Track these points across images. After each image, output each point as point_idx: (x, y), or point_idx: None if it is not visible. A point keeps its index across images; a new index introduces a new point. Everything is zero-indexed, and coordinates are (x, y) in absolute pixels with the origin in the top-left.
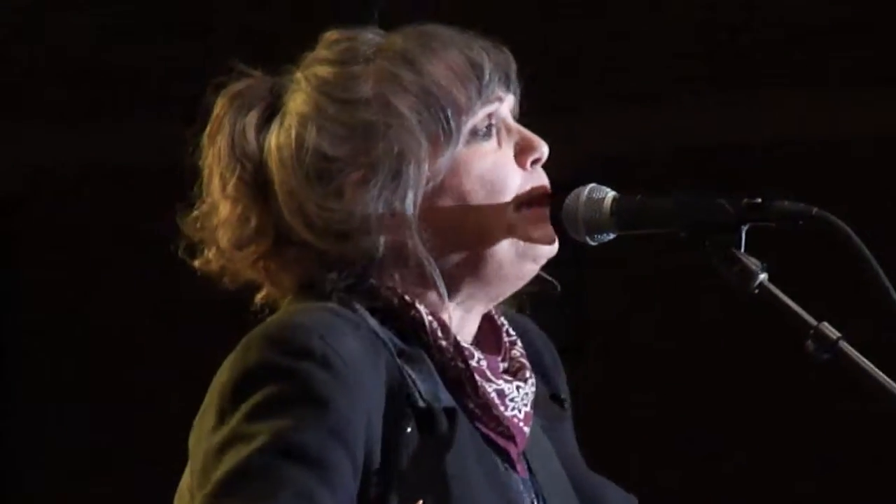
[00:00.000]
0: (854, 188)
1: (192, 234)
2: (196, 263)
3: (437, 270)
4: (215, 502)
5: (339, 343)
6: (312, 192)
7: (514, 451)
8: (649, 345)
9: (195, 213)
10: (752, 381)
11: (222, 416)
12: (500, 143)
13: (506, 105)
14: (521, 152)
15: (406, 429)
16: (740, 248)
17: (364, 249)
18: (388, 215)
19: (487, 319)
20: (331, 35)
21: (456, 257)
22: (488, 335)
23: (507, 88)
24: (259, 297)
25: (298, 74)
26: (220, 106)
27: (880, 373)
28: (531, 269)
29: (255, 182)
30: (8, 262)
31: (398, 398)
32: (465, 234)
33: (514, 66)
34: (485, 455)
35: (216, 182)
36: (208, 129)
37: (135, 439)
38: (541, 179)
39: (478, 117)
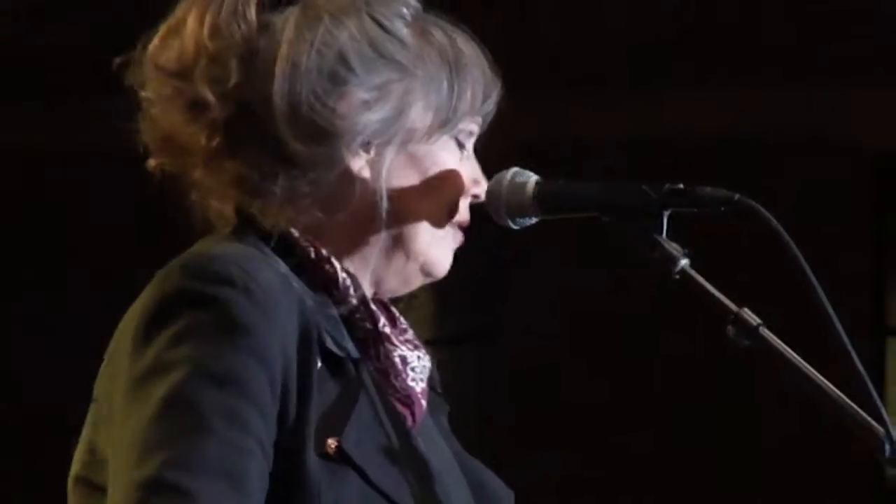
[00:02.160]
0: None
1: (145, 73)
2: (143, 94)
3: (384, 224)
4: (143, 443)
5: (258, 273)
6: (318, 81)
7: (409, 422)
8: (566, 334)
9: (152, 56)
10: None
11: (138, 349)
12: (461, 160)
13: (475, 135)
14: (472, 184)
15: (317, 365)
16: (662, 233)
17: (327, 161)
18: (364, 149)
19: (382, 303)
20: None
21: (389, 228)
22: (385, 314)
23: (484, 122)
24: (154, 162)
25: None
26: None
27: (800, 359)
28: (419, 281)
29: (248, 48)
30: None
31: (309, 338)
32: (408, 212)
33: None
34: (392, 411)
35: (203, 33)
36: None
37: None
38: (467, 212)
39: (468, 125)
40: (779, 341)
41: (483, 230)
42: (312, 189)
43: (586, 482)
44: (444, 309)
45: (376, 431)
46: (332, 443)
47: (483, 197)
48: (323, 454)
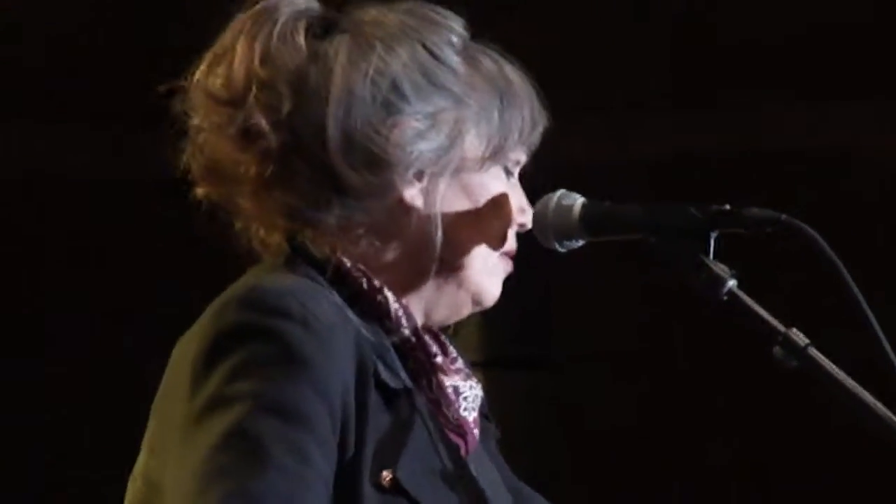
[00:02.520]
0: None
1: (195, 98)
2: (193, 122)
3: (437, 255)
4: (207, 473)
5: (316, 305)
6: (372, 109)
7: (462, 452)
8: (617, 355)
9: (201, 83)
10: (730, 390)
11: (197, 383)
12: (510, 191)
13: (521, 164)
14: (519, 213)
15: (373, 397)
16: (709, 255)
17: (380, 190)
18: (417, 178)
19: (432, 333)
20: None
21: (439, 257)
22: (437, 345)
23: (531, 151)
24: (202, 191)
25: (384, 9)
26: (261, 5)
27: (849, 379)
28: (469, 310)
29: (298, 78)
30: None
31: (365, 370)
32: (460, 242)
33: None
34: (446, 440)
35: (255, 61)
36: (245, 16)
37: None
38: (514, 243)
39: (515, 155)
40: (827, 361)
41: (530, 253)
42: (365, 218)
43: None
44: (490, 333)
45: (431, 462)
46: (387, 475)
47: (529, 225)
48: (378, 485)
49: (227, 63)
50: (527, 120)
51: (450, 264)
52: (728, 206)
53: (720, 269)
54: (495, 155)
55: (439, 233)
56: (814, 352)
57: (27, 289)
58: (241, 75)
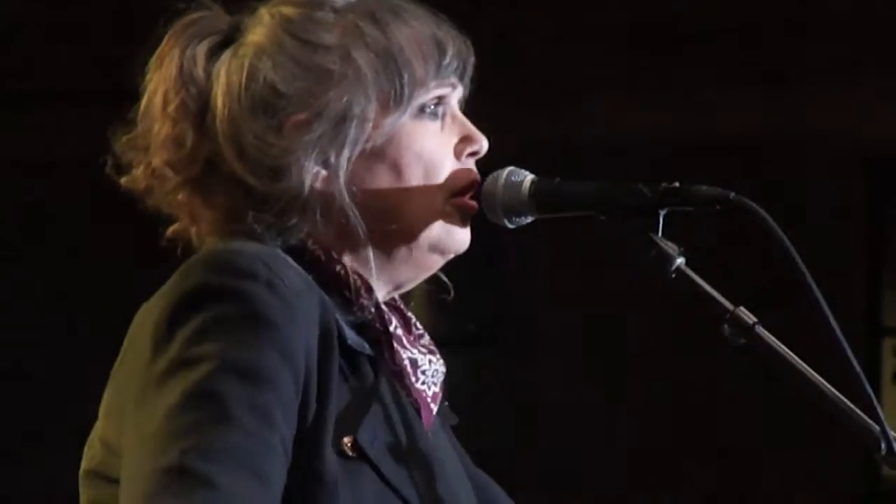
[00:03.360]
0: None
1: (123, 152)
2: (122, 181)
3: (363, 229)
4: (167, 432)
5: (281, 270)
6: (254, 122)
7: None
8: (560, 338)
9: (130, 134)
10: (676, 371)
11: (159, 345)
12: (442, 128)
13: (455, 95)
14: (462, 141)
15: (336, 363)
16: (658, 232)
17: (290, 191)
18: (322, 164)
19: (397, 308)
20: None
21: (375, 226)
22: (399, 319)
23: (461, 79)
24: (172, 229)
25: (262, 10)
26: (174, 31)
27: (796, 358)
28: (436, 262)
29: (197, 107)
30: None
31: (330, 335)
32: (390, 206)
33: (472, 60)
34: (407, 410)
35: (158, 101)
36: (158, 50)
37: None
38: (470, 172)
39: (429, 95)
40: (774, 339)
41: (478, 231)
42: (290, 216)
43: (585, 481)
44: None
45: (394, 430)
46: (347, 440)
47: (483, 150)
48: (340, 451)
49: (144, 113)
50: (429, 59)
51: (390, 230)
52: (677, 184)
53: (669, 246)
54: (398, 108)
55: (350, 206)
56: (761, 330)
57: None
58: (152, 122)
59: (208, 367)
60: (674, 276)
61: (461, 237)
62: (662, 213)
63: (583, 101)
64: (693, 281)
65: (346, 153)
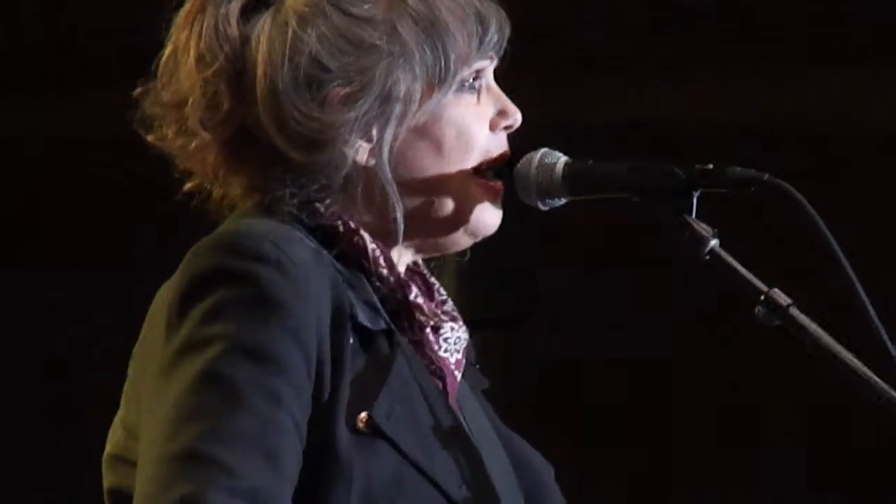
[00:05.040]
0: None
1: (151, 108)
2: (149, 137)
3: (401, 206)
4: (179, 416)
5: (290, 249)
6: (297, 95)
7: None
8: (604, 318)
9: (158, 88)
10: (720, 361)
11: (171, 329)
12: (478, 100)
13: (492, 66)
14: (498, 114)
15: (350, 340)
16: (692, 213)
17: (331, 165)
18: (365, 138)
19: (419, 274)
20: None
21: (410, 203)
22: (421, 285)
23: (498, 52)
24: (189, 185)
25: None
26: (191, 3)
27: (831, 339)
28: (465, 242)
29: (233, 68)
30: None
31: (342, 313)
32: (427, 183)
33: (508, 32)
34: (427, 382)
35: (192, 61)
36: (187, 7)
37: None
38: (504, 145)
39: (470, 69)
40: (809, 321)
41: (512, 212)
42: (329, 190)
43: (611, 475)
44: (468, 292)
45: (410, 403)
46: (362, 416)
47: (517, 123)
48: (354, 428)
49: (173, 69)
50: (471, 33)
51: (425, 207)
52: (711, 166)
53: (702, 228)
54: (442, 85)
55: (394, 184)
56: (796, 311)
57: None
58: (183, 81)
59: (218, 348)
60: (707, 257)
61: (490, 219)
62: (696, 194)
63: (603, 80)
64: (727, 262)
65: (390, 129)
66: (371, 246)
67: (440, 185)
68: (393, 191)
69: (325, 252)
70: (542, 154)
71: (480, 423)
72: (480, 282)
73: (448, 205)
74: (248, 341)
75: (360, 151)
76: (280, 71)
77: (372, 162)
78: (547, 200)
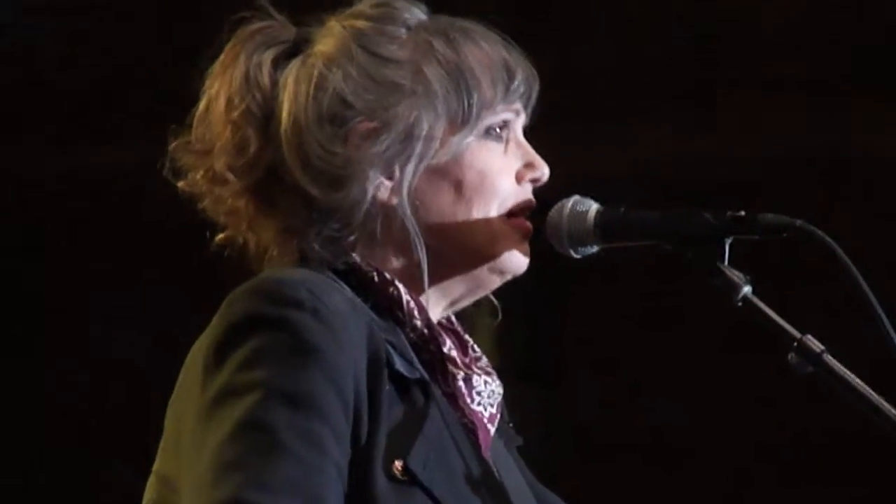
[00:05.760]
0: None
1: (181, 155)
2: (179, 184)
3: (422, 244)
4: (221, 464)
5: (327, 296)
6: (320, 131)
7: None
8: (633, 369)
9: (190, 137)
10: (752, 409)
11: (208, 376)
12: (505, 151)
13: (520, 121)
14: (525, 167)
15: (386, 387)
16: (724, 260)
17: (352, 202)
18: (386, 176)
19: (453, 331)
20: None
21: (433, 241)
22: (454, 340)
23: (526, 106)
24: (223, 235)
25: (333, 22)
26: (238, 38)
27: (864, 385)
28: (494, 282)
29: (262, 114)
30: None
31: (378, 360)
32: (449, 222)
33: (537, 88)
34: (460, 434)
35: (220, 106)
36: (221, 57)
37: None
38: (529, 197)
39: (497, 118)
40: (842, 367)
41: (545, 265)
42: (350, 228)
43: None
44: (502, 344)
45: (445, 453)
46: (398, 464)
47: (544, 178)
48: (390, 475)
49: (205, 117)
50: (496, 81)
51: (449, 246)
52: (743, 212)
53: (735, 275)
54: (464, 127)
55: (412, 219)
56: (829, 358)
57: None
58: (213, 126)
59: (257, 395)
60: (740, 304)
61: (518, 258)
62: (728, 241)
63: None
64: (760, 309)
65: (411, 167)
66: (406, 297)
67: (463, 225)
68: (414, 228)
69: (359, 301)
70: (573, 202)
71: (514, 479)
72: (517, 339)
73: (472, 243)
74: (286, 387)
75: (382, 189)
76: (304, 108)
77: (394, 200)
78: (579, 248)
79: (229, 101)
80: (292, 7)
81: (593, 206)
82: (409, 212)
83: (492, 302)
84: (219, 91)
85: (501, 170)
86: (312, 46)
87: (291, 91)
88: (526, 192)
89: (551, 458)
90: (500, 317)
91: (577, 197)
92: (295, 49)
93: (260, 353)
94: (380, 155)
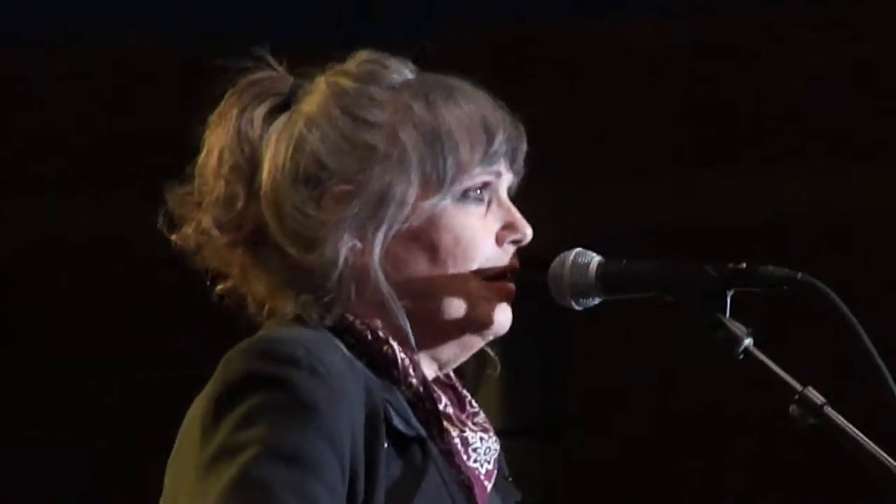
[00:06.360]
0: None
1: (176, 207)
2: (172, 236)
3: (400, 308)
4: None
5: (324, 355)
6: (294, 192)
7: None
8: (642, 427)
9: (184, 189)
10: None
11: (206, 436)
12: (486, 214)
13: (504, 181)
14: (505, 228)
15: (384, 445)
16: (725, 313)
17: (324, 263)
18: (357, 239)
19: (450, 387)
20: (364, 53)
21: (412, 305)
22: (452, 397)
23: (511, 166)
24: (222, 287)
25: (320, 78)
26: (235, 90)
27: (866, 439)
28: (476, 342)
29: (249, 170)
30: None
31: (376, 417)
32: (425, 286)
33: (524, 147)
34: (458, 490)
35: (213, 160)
36: (219, 108)
37: None
38: (512, 259)
39: (474, 180)
40: (844, 420)
41: (549, 319)
42: (326, 290)
43: None
44: (509, 400)
45: None
46: None
47: (526, 239)
48: None
49: (201, 169)
50: (475, 144)
51: (427, 309)
52: (744, 265)
53: (736, 327)
54: (439, 191)
55: (383, 283)
56: (831, 411)
57: None
58: (206, 179)
59: (253, 453)
60: (742, 356)
61: (500, 318)
62: (730, 293)
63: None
64: (761, 361)
65: (382, 232)
66: (401, 356)
67: (440, 289)
68: (388, 292)
69: (356, 360)
70: (575, 254)
71: None
72: (519, 393)
73: (450, 307)
74: (282, 445)
75: (355, 251)
76: (282, 168)
77: (368, 261)
78: (581, 300)
79: (221, 155)
80: (293, 56)
81: (595, 258)
82: (380, 276)
83: (496, 355)
84: (213, 144)
85: (479, 232)
86: (299, 104)
87: (273, 150)
88: (507, 255)
89: None
90: (499, 369)
91: (578, 249)
92: (286, 103)
93: (257, 411)
94: (352, 218)
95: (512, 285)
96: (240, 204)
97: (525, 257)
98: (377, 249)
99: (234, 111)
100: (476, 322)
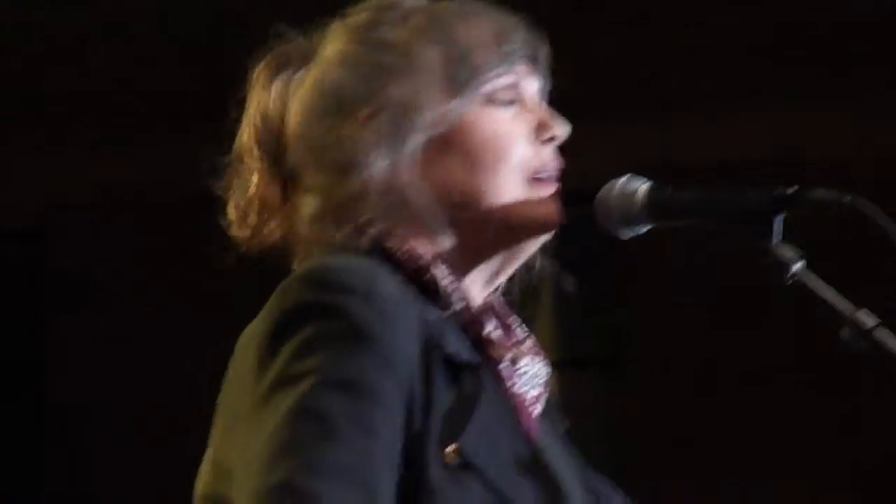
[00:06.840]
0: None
1: (226, 183)
2: (217, 186)
3: (439, 223)
4: (273, 450)
5: (379, 281)
6: (321, 122)
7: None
8: (696, 359)
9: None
10: (819, 403)
11: (262, 366)
12: (516, 116)
13: (529, 83)
14: (538, 126)
15: (440, 371)
16: (776, 238)
17: (360, 185)
18: (391, 156)
19: (496, 312)
20: None
21: (454, 215)
22: (497, 321)
23: (534, 68)
24: (244, 232)
25: (335, 24)
26: (258, 69)
27: None
28: (528, 245)
29: (275, 147)
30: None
31: (431, 345)
32: (464, 193)
33: (543, 49)
34: (508, 415)
35: (245, 138)
36: (250, 83)
37: None
38: (551, 155)
39: (498, 82)
40: None
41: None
42: (368, 214)
43: None
44: (563, 332)
45: (495, 436)
46: (451, 449)
47: (561, 137)
48: (444, 460)
49: (244, 124)
50: (487, 47)
51: (470, 217)
52: (792, 189)
53: (786, 251)
54: (461, 94)
55: (425, 199)
56: (882, 333)
57: None
58: (248, 132)
59: (311, 382)
60: (792, 281)
61: (545, 211)
62: (779, 218)
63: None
64: (811, 286)
65: (410, 142)
66: (444, 282)
67: (481, 193)
68: (428, 205)
69: (407, 286)
70: (624, 180)
71: (560, 461)
72: (574, 323)
73: (492, 208)
74: (340, 374)
75: (388, 169)
76: (307, 106)
77: (404, 179)
78: (628, 228)
79: (261, 111)
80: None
81: (643, 185)
82: (417, 189)
83: (544, 289)
84: (253, 102)
85: (510, 132)
86: (320, 53)
87: (298, 98)
88: (545, 152)
89: (607, 446)
90: (546, 301)
91: (628, 175)
92: (307, 57)
93: (313, 341)
94: (380, 136)
95: (554, 181)
96: (267, 178)
97: (571, 191)
98: (411, 161)
99: (257, 89)
100: (521, 219)
